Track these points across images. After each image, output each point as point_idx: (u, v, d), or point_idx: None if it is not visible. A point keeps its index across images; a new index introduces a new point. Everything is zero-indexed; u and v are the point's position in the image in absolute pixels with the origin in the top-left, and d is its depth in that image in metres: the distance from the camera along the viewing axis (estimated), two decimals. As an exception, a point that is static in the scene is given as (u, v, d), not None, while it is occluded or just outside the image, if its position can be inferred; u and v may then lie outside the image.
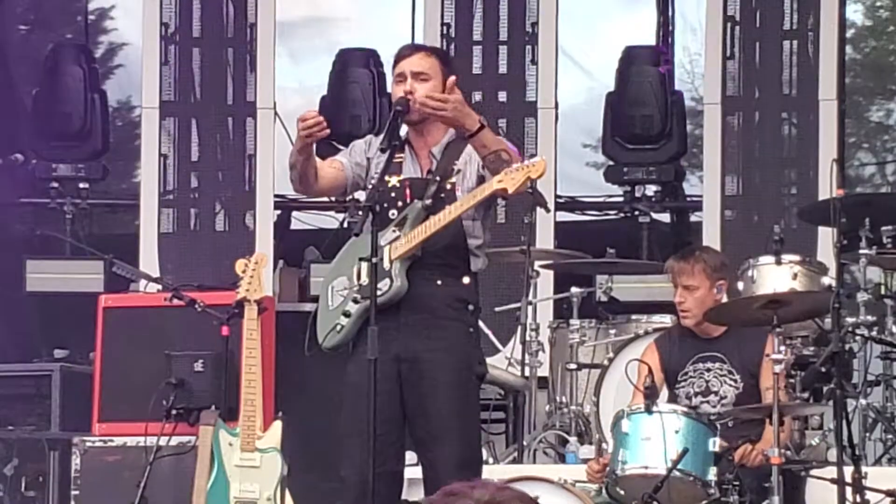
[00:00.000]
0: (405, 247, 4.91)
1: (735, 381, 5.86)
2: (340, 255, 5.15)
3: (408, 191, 4.98)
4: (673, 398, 5.86)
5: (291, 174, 5.09)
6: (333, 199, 8.39)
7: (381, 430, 4.82)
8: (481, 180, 4.99)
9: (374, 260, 4.86)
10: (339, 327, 5.01)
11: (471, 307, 5.00)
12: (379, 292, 4.91)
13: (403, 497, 5.12)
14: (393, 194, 4.98)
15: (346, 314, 4.99)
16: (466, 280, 4.99)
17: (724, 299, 5.98)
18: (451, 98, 4.85)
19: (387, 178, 5.01)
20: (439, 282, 4.95)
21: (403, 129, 5.09)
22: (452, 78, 4.96)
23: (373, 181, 5.03)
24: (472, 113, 4.87)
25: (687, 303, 5.87)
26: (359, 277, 5.00)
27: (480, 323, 7.34)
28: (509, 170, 4.82)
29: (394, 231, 4.96)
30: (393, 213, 4.97)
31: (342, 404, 5.03)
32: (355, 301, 4.98)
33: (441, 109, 4.82)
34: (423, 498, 2.53)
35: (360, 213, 4.99)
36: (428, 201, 4.94)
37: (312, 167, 5.05)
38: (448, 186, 4.98)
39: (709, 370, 5.88)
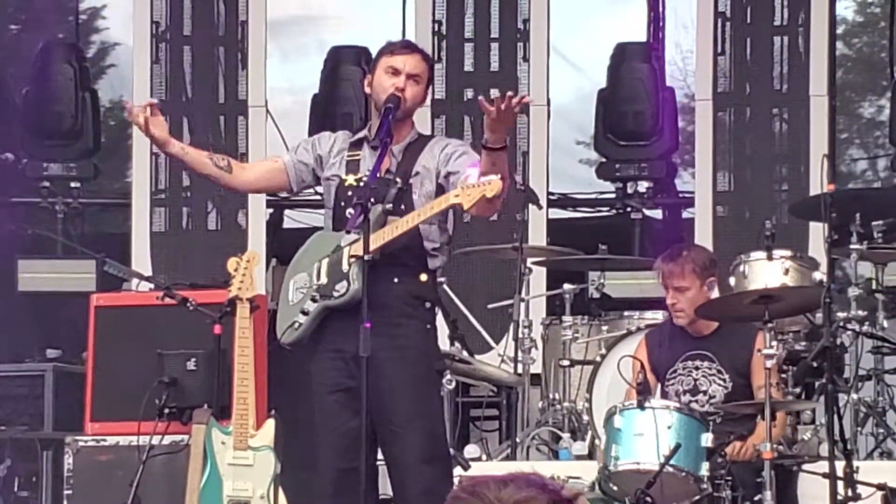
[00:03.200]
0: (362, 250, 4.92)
1: (724, 380, 5.87)
2: (303, 250, 5.17)
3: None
4: (664, 394, 5.86)
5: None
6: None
7: (350, 426, 4.85)
8: (440, 190, 5.02)
9: (366, 258, 4.87)
10: (296, 324, 5.04)
11: (428, 304, 5.02)
12: (336, 293, 4.95)
13: (384, 491, 5.13)
14: (350, 193, 4.99)
15: (305, 312, 5.02)
16: (424, 277, 5.01)
17: (715, 295, 5.99)
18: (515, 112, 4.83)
19: (344, 176, 5.03)
20: (396, 279, 4.97)
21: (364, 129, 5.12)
22: (530, 98, 4.95)
23: (364, 178, 5.03)
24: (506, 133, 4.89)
25: (679, 303, 5.88)
26: (318, 277, 5.01)
27: (473, 320, 7.42)
28: (466, 185, 4.86)
29: (354, 233, 4.97)
30: (350, 211, 4.98)
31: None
32: (314, 300, 5.00)
33: (512, 113, 4.77)
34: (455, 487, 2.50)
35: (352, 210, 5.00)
36: (389, 206, 4.96)
37: (197, 168, 5.09)
38: (406, 189, 5.00)
39: (697, 368, 5.89)
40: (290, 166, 5.13)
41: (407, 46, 5.18)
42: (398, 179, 4.99)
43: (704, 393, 5.87)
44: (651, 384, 5.82)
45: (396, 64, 5.04)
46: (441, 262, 5.08)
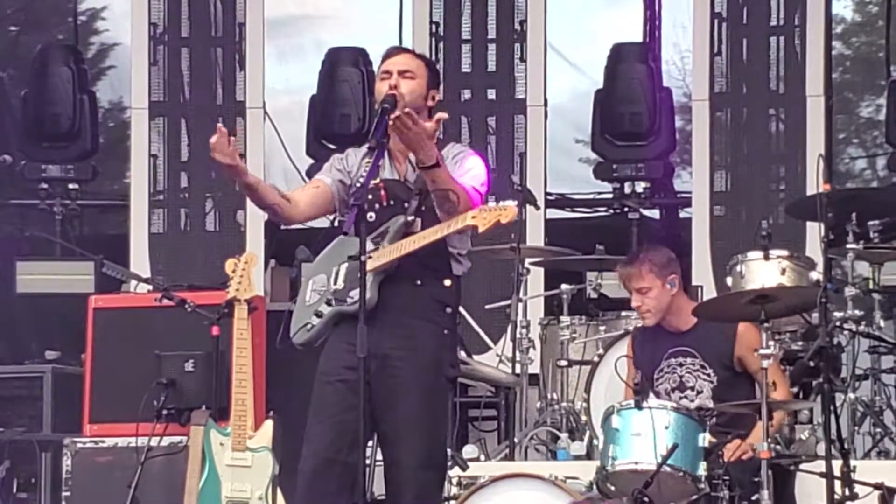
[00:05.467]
0: (380, 260, 4.94)
1: (708, 375, 5.89)
2: (326, 252, 5.17)
3: (383, 192, 5.01)
4: (656, 395, 5.88)
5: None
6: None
7: (343, 418, 4.86)
8: None
9: (362, 258, 4.88)
10: (309, 326, 5.04)
11: (448, 309, 5.02)
12: (350, 300, 4.95)
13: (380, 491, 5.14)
14: (370, 196, 5.01)
15: (318, 314, 5.03)
16: (448, 282, 5.01)
17: (679, 291, 5.99)
18: (419, 126, 4.85)
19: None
20: (419, 282, 4.98)
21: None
22: (442, 115, 4.97)
23: (360, 181, 5.05)
24: (433, 149, 4.88)
25: (644, 305, 5.92)
26: (335, 281, 5.03)
27: (471, 320, 7.42)
28: (484, 208, 4.89)
29: (373, 242, 4.99)
30: (371, 215, 5.00)
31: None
32: (328, 303, 5.01)
33: (406, 129, 4.83)
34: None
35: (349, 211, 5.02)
36: (410, 217, 4.98)
37: (267, 197, 5.02)
38: (425, 198, 5.01)
39: (681, 365, 5.92)
40: (333, 187, 5.10)
41: (395, 49, 5.21)
42: (418, 191, 5.00)
43: (692, 389, 5.89)
44: (632, 370, 5.84)
45: (387, 67, 5.07)
46: (465, 269, 5.09)
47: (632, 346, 6.08)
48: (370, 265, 4.91)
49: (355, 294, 4.93)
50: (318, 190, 5.12)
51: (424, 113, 5.09)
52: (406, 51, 5.19)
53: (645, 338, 6.04)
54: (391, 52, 5.15)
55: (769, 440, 5.49)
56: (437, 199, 4.91)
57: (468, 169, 5.01)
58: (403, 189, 5.02)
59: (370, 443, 5.04)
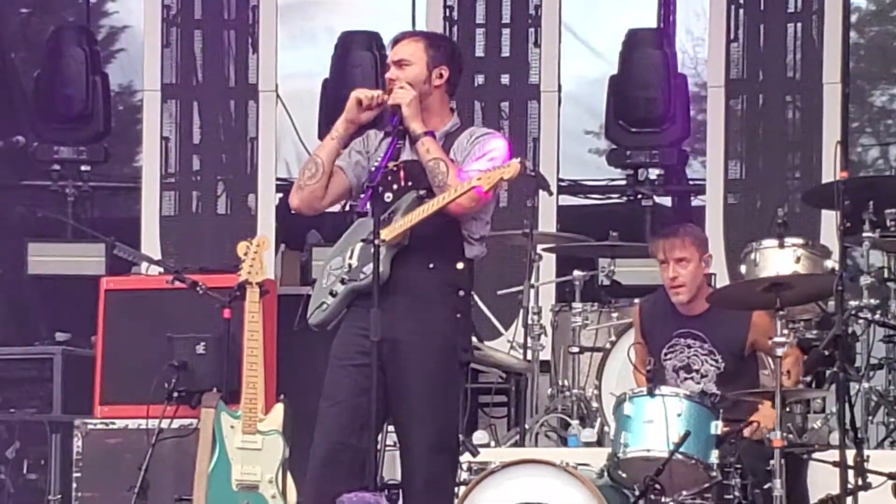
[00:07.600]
0: (391, 234, 4.93)
1: (716, 361, 5.88)
2: (345, 236, 5.17)
3: (402, 173, 5.01)
4: (661, 370, 5.86)
5: (303, 192, 5.06)
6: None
7: (355, 402, 4.85)
8: None
9: (376, 242, 4.88)
10: (324, 306, 5.05)
11: (461, 293, 5.01)
12: (362, 276, 4.97)
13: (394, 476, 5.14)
14: (389, 177, 5.01)
15: (333, 294, 5.04)
16: (460, 265, 5.00)
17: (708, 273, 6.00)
18: (403, 92, 4.93)
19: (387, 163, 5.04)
20: (431, 265, 4.98)
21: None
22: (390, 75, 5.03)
23: (377, 162, 5.06)
24: (419, 122, 4.96)
25: (681, 277, 5.88)
26: (350, 259, 5.03)
27: (482, 306, 7.41)
28: (489, 169, 4.92)
29: (387, 219, 4.98)
30: (388, 195, 5.01)
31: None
32: (342, 282, 5.01)
33: (368, 110, 4.94)
34: None
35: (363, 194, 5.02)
36: (423, 192, 4.96)
37: (329, 175, 5.05)
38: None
39: (690, 347, 5.91)
40: (348, 168, 5.11)
41: (397, 36, 5.20)
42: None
43: (697, 372, 5.88)
44: (642, 353, 5.80)
45: (389, 58, 5.13)
46: (479, 252, 5.08)
47: (639, 316, 6.05)
48: (383, 236, 4.91)
49: (368, 269, 4.93)
50: (340, 177, 5.12)
51: (436, 93, 5.07)
52: (405, 36, 5.16)
53: (656, 309, 6.02)
54: (392, 42, 5.16)
55: (784, 428, 5.47)
56: (429, 171, 4.94)
57: (490, 150, 5.00)
58: (422, 170, 5.01)
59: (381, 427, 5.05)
